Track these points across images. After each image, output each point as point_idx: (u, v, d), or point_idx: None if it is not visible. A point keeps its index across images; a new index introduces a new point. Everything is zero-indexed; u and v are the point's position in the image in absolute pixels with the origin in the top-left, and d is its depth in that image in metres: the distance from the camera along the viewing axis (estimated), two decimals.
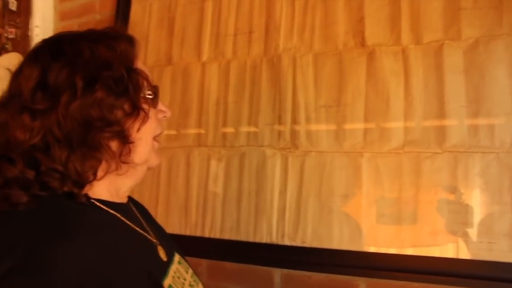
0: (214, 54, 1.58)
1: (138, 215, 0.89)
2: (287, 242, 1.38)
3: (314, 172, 1.37)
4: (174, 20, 1.68)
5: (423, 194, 1.24)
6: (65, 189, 0.68)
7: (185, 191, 1.56)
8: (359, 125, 1.33)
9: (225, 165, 1.51)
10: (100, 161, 0.71)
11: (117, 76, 0.72)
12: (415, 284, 1.23)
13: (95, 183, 0.72)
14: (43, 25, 1.98)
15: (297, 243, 1.37)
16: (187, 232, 1.54)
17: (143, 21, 1.74)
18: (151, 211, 1.59)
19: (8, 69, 2.00)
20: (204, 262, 1.52)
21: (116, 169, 0.74)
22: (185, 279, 0.85)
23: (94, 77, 0.70)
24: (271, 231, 1.41)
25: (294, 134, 1.41)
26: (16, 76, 0.73)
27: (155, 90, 0.80)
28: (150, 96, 0.79)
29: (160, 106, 0.83)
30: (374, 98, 1.32)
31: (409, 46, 1.29)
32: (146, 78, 0.78)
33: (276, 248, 1.40)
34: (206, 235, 1.51)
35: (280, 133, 1.43)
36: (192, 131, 1.58)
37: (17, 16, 1.99)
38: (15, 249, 0.59)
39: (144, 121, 0.76)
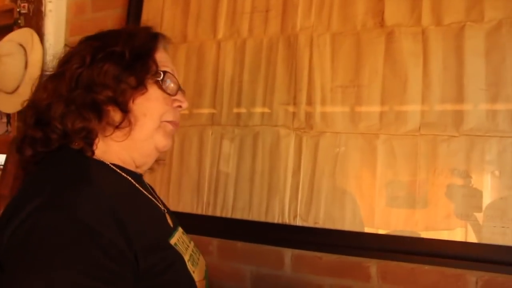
0: (230, 32, 1.56)
1: (149, 187, 0.97)
2: (299, 222, 1.38)
3: (328, 153, 1.37)
4: None
5: (437, 177, 1.24)
6: (72, 144, 0.79)
7: (198, 170, 1.56)
8: (375, 107, 1.32)
9: (238, 144, 1.50)
10: (90, 122, 0.78)
11: (119, 51, 0.81)
12: (426, 267, 1.23)
13: (105, 149, 0.82)
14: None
15: (309, 223, 1.37)
16: (199, 211, 1.54)
17: None
18: (163, 189, 1.60)
19: (21, 45, 1.98)
20: (215, 242, 1.53)
21: (111, 134, 0.81)
22: (188, 246, 0.91)
23: (100, 49, 0.81)
24: (284, 211, 1.41)
25: (309, 114, 1.41)
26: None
27: (165, 75, 0.86)
28: (158, 78, 0.85)
29: (178, 96, 0.89)
30: (392, 79, 1.31)
31: (429, 27, 1.28)
32: (156, 63, 0.85)
33: (288, 228, 1.40)
34: (218, 214, 1.51)
35: (294, 113, 1.43)
36: (206, 110, 1.57)
37: None
38: (42, 191, 0.69)
39: (141, 93, 0.82)
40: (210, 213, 1.53)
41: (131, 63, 0.81)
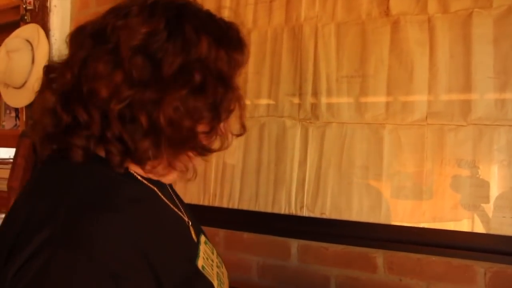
0: None
1: (171, 192, 0.86)
2: (305, 213, 1.38)
3: (334, 143, 1.36)
4: None
5: (445, 167, 1.22)
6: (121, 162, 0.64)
7: (204, 161, 1.56)
8: (381, 96, 1.31)
9: (244, 135, 1.49)
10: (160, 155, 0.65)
11: (228, 98, 0.68)
12: (434, 258, 1.23)
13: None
14: None
15: (316, 214, 1.37)
16: (205, 202, 1.55)
17: None
18: None
19: (27, 40, 2.00)
20: (221, 232, 1.53)
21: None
22: (212, 260, 0.82)
23: (208, 85, 0.65)
24: (290, 202, 1.41)
25: (315, 105, 1.40)
26: (117, 16, 0.65)
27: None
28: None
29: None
30: (398, 69, 1.29)
31: (436, 15, 1.25)
32: (241, 104, 0.72)
33: (294, 219, 1.40)
34: (225, 205, 1.52)
35: (300, 104, 1.42)
36: None
37: None
38: (53, 216, 0.56)
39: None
40: (216, 204, 1.53)
41: (226, 108, 0.68)
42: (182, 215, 0.81)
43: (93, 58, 0.62)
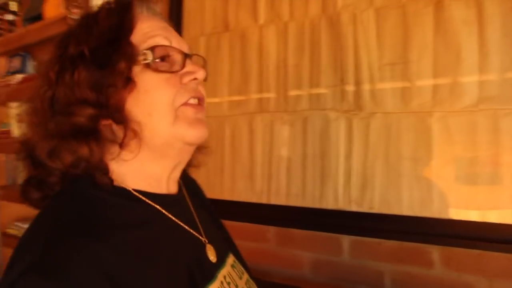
0: (271, 17, 1.52)
1: (192, 206, 0.78)
2: (354, 208, 1.34)
3: (380, 135, 1.30)
4: None
5: (501, 154, 1.13)
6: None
7: (250, 159, 1.55)
8: (427, 82, 1.23)
9: (288, 130, 1.47)
10: (81, 151, 0.61)
11: (78, 52, 0.63)
12: (495, 254, 1.14)
13: (123, 171, 0.65)
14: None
15: (364, 208, 1.32)
16: (253, 199, 1.54)
17: None
18: (216, 180, 1.61)
19: None
20: (272, 229, 1.52)
21: (119, 154, 0.64)
22: (236, 286, 0.73)
23: (60, 56, 0.65)
24: (337, 197, 1.36)
25: (357, 96, 1.34)
26: None
27: (155, 51, 0.65)
28: (147, 60, 0.64)
29: (187, 67, 0.68)
30: (443, 52, 1.20)
31: None
32: (131, 44, 0.64)
33: (343, 214, 1.36)
34: (272, 202, 1.50)
35: (343, 95, 1.36)
36: (254, 97, 1.55)
37: None
38: (35, 246, 0.54)
39: (130, 90, 0.63)
40: (264, 201, 1.52)
41: (102, 58, 0.62)
42: (196, 234, 0.73)
43: None
